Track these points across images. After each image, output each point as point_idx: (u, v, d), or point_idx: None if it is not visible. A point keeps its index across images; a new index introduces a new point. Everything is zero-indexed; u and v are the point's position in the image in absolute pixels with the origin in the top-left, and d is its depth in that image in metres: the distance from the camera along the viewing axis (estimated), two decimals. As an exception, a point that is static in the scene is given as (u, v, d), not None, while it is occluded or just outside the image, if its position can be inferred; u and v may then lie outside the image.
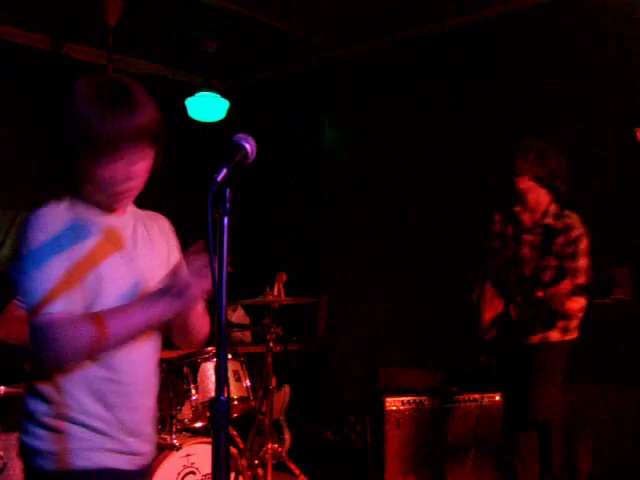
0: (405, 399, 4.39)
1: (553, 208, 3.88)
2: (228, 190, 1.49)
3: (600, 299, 3.36)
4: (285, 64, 6.59)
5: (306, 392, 5.77)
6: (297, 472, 4.47)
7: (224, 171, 1.50)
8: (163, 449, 3.36)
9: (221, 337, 1.41)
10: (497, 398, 4.38)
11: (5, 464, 3.17)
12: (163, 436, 3.47)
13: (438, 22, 5.52)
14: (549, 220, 3.85)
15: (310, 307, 5.78)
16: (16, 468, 3.25)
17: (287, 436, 4.90)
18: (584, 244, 3.74)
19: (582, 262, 3.72)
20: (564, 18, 4.92)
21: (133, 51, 6.34)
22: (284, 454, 4.41)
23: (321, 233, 6.37)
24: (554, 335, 3.84)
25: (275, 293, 4.44)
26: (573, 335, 3.88)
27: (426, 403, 4.34)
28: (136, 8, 5.32)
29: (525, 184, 3.83)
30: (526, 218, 3.95)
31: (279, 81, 6.75)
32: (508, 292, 3.93)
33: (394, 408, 4.38)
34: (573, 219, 3.82)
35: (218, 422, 1.37)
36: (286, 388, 4.84)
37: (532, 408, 3.84)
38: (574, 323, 3.86)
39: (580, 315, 3.79)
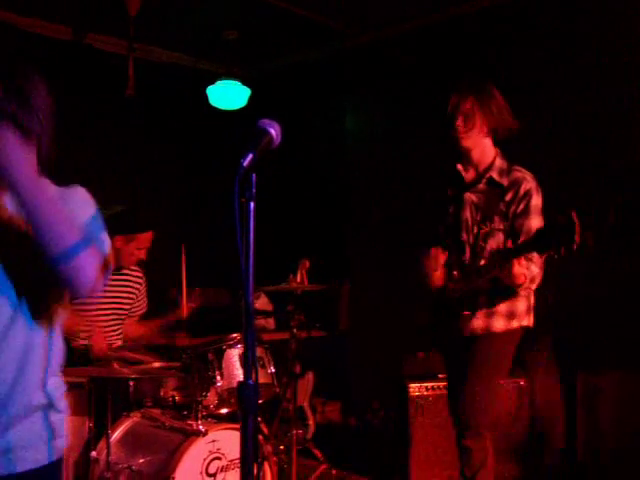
0: (429, 385, 4.40)
1: (499, 162, 3.33)
2: (254, 175, 1.49)
3: (563, 249, 2.70)
4: (306, 51, 6.57)
5: (329, 378, 5.80)
6: (321, 458, 4.50)
7: (250, 156, 1.50)
8: (189, 435, 3.39)
9: (248, 322, 1.42)
10: (522, 383, 4.38)
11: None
12: (189, 422, 3.51)
13: (460, 6, 5.47)
14: (494, 174, 3.30)
15: (333, 293, 5.79)
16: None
17: (311, 422, 4.94)
18: (536, 200, 3.19)
19: (535, 221, 3.15)
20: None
21: (154, 40, 6.36)
22: (309, 440, 4.43)
23: (343, 219, 6.37)
24: (497, 323, 3.28)
25: (298, 280, 4.45)
26: (523, 321, 3.32)
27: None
28: (157, -3, 5.34)
29: (468, 140, 3.33)
30: (468, 176, 3.42)
31: (300, 68, 6.74)
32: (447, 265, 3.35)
33: (418, 394, 4.40)
34: (523, 172, 3.26)
35: (247, 405, 1.39)
36: (310, 375, 4.86)
37: (465, 410, 3.29)
38: (522, 304, 3.30)
39: (531, 290, 3.22)
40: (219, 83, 6.32)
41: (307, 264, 4.52)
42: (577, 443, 4.39)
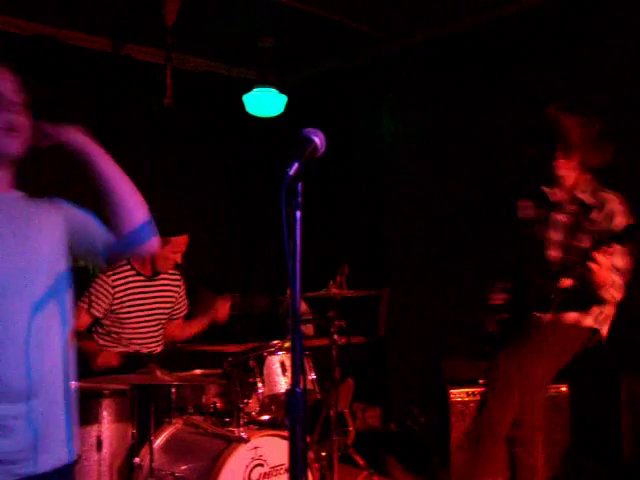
0: (470, 390, 4.36)
1: (588, 184, 3.49)
2: (300, 184, 1.50)
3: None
4: (341, 56, 6.58)
5: (369, 384, 5.78)
6: (362, 464, 4.49)
7: (296, 165, 1.51)
8: (231, 442, 3.40)
9: (296, 328, 1.42)
10: (563, 389, 4.33)
11: (79, 456, 3.25)
12: (231, 429, 3.52)
13: (497, 9, 5.42)
14: (583, 195, 3.45)
15: (372, 299, 5.77)
16: (90, 459, 3.34)
17: (352, 428, 4.93)
18: (619, 220, 3.32)
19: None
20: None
21: (191, 49, 6.42)
22: (349, 446, 4.42)
23: (383, 225, 6.36)
24: (569, 315, 3.41)
25: (338, 286, 4.45)
26: (595, 324, 3.43)
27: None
28: (193, 7, 5.38)
29: (563, 170, 3.48)
30: (557, 197, 3.56)
31: (336, 74, 6.75)
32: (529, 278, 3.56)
33: (459, 399, 4.36)
34: (609, 193, 3.41)
35: (295, 413, 1.39)
36: (349, 381, 4.86)
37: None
38: (601, 309, 3.42)
39: (614, 299, 3.34)
40: (255, 91, 6.35)
41: (346, 270, 4.52)
42: (622, 447, 4.32)
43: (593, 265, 3.12)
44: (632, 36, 4.77)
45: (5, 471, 1.83)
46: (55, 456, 1.95)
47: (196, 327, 4.55)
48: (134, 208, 2.03)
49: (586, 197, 3.44)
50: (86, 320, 4.07)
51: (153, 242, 2.08)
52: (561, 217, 3.51)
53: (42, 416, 1.90)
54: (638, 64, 4.72)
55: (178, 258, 4.27)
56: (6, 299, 1.84)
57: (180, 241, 4.23)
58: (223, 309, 4.53)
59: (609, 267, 3.18)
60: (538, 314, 3.43)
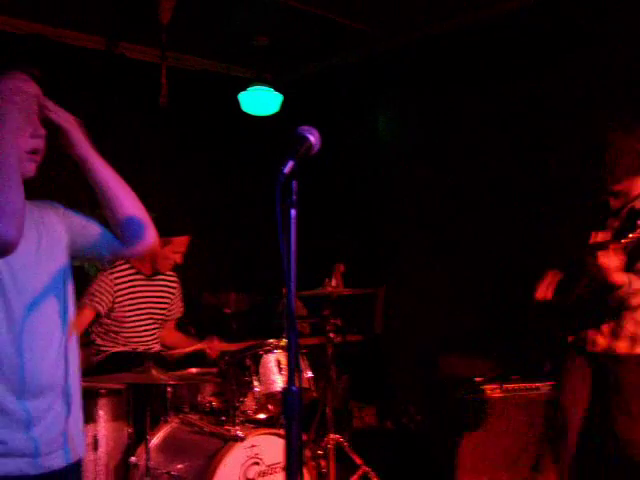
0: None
1: None
2: (295, 182, 1.50)
3: None
4: (337, 55, 6.58)
5: (365, 382, 5.78)
6: (359, 462, 4.48)
7: (290, 163, 1.51)
8: (227, 440, 3.40)
9: (291, 327, 1.42)
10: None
11: (76, 455, 3.24)
12: (227, 427, 3.52)
13: (495, 6, 5.41)
14: (637, 204, 3.45)
15: (368, 297, 5.78)
16: (86, 459, 3.33)
17: (348, 426, 4.92)
18: None
19: None
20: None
21: (186, 48, 6.42)
22: (346, 444, 4.42)
23: (378, 223, 6.36)
24: (621, 345, 3.38)
25: (334, 284, 4.44)
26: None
27: (489, 392, 4.29)
28: (188, 5, 5.37)
29: (620, 186, 3.49)
30: (615, 203, 3.57)
31: (332, 72, 6.74)
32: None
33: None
34: None
35: (291, 412, 1.39)
36: (345, 378, 4.85)
37: (621, 439, 3.37)
38: None
39: None
40: (251, 89, 6.35)
41: (342, 268, 4.52)
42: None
43: (599, 260, 3.16)
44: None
45: (33, 464, 1.86)
46: (76, 449, 2.00)
47: (189, 344, 4.54)
48: (129, 207, 2.04)
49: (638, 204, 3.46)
50: (89, 317, 4.06)
51: (151, 240, 2.09)
52: (614, 222, 3.53)
53: (61, 415, 1.94)
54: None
55: (178, 258, 4.26)
56: (16, 295, 1.86)
57: (181, 241, 4.23)
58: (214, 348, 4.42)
59: (618, 267, 3.18)
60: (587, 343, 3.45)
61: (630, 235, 3.15)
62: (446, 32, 5.82)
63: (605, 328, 3.41)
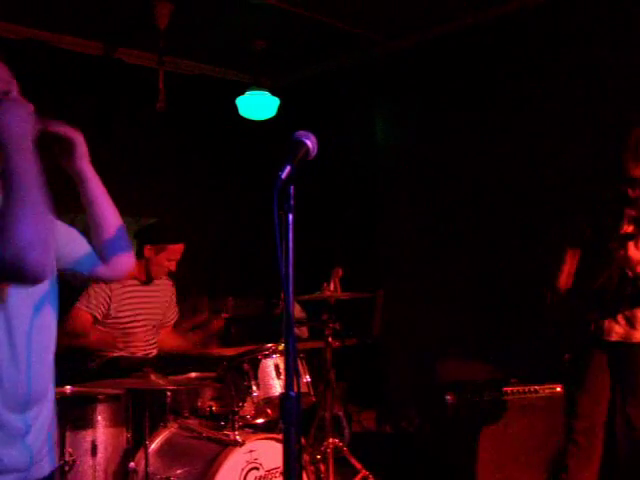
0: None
1: None
2: (292, 187, 1.50)
3: None
4: (334, 59, 6.58)
5: (364, 387, 5.78)
6: (358, 466, 4.48)
7: (288, 168, 1.51)
8: (226, 445, 3.39)
9: (289, 332, 1.42)
10: (558, 389, 4.32)
11: (74, 461, 3.24)
12: (226, 432, 3.50)
13: (491, 9, 5.42)
14: None
15: (366, 302, 5.77)
16: (85, 464, 3.32)
17: (347, 431, 4.92)
18: None
19: None
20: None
21: (183, 52, 6.42)
22: (345, 449, 4.41)
23: (376, 227, 6.36)
24: (637, 334, 3.48)
25: (332, 288, 4.44)
26: None
27: (486, 396, 4.29)
28: (185, 10, 5.38)
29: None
30: (633, 193, 3.61)
31: (329, 76, 6.75)
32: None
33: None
34: None
35: (289, 417, 1.38)
36: (344, 383, 4.85)
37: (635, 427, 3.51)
38: None
39: None
40: (248, 93, 6.35)
41: (340, 272, 4.51)
42: (617, 448, 4.31)
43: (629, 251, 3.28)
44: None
45: (26, 478, 1.83)
46: (52, 460, 1.96)
47: (185, 339, 4.54)
48: (115, 228, 2.05)
49: None
50: (88, 319, 4.06)
51: (129, 265, 2.11)
52: (632, 212, 3.55)
53: (46, 421, 1.91)
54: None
55: (172, 266, 4.27)
56: (17, 307, 1.82)
57: (176, 249, 4.23)
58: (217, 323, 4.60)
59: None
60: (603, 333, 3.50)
61: None
62: (443, 36, 5.82)
63: (620, 318, 3.48)
